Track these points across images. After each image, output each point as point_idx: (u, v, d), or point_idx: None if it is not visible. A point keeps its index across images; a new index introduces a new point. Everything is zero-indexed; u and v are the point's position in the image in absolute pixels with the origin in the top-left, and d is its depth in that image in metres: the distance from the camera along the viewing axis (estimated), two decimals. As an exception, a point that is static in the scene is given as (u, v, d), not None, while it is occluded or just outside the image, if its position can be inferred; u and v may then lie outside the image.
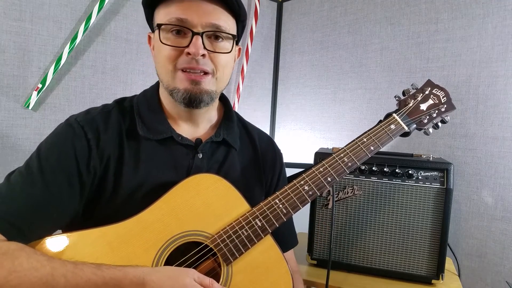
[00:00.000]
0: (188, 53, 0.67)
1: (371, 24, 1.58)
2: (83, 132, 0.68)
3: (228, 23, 0.70)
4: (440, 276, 1.02)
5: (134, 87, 1.47)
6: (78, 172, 0.66)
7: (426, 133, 0.82)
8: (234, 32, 0.73)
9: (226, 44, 0.71)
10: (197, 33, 0.67)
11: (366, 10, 1.60)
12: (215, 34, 0.69)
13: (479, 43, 1.29)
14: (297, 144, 1.86)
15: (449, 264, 1.17)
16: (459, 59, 1.34)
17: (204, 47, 0.67)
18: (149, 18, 0.74)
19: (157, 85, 0.81)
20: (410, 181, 1.04)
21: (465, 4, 1.32)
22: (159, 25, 0.67)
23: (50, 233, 0.63)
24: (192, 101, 0.70)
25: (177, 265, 0.65)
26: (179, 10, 0.67)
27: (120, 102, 0.77)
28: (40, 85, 1.22)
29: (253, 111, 1.91)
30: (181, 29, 0.67)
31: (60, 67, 1.25)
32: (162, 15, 0.69)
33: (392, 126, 0.78)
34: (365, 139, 0.76)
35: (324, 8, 1.75)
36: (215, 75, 0.71)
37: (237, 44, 0.78)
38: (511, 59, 1.22)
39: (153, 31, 0.74)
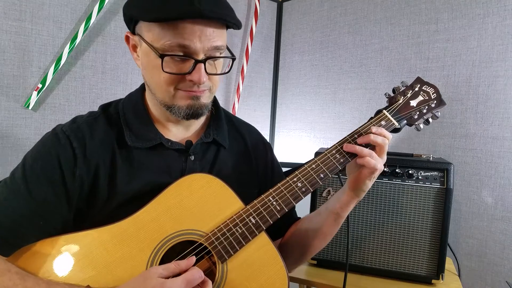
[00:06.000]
0: (191, 80, 0.66)
1: (371, 24, 1.58)
2: (69, 141, 0.68)
3: (224, 40, 0.69)
4: (440, 276, 1.02)
5: (134, 87, 1.46)
6: (63, 181, 0.66)
7: (417, 129, 0.83)
8: (225, 43, 0.71)
9: (221, 60, 0.72)
10: (200, 61, 0.65)
11: (366, 10, 1.60)
12: (214, 56, 0.68)
13: (479, 43, 1.29)
14: (297, 144, 1.86)
15: (449, 264, 1.17)
16: (459, 59, 1.34)
17: (206, 72, 0.67)
18: (130, 20, 0.70)
19: (142, 88, 0.80)
20: (410, 181, 1.04)
21: (465, 4, 1.32)
22: (162, 56, 0.64)
23: (40, 239, 0.63)
24: (194, 115, 0.71)
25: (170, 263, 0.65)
26: (179, 36, 0.63)
27: (106, 108, 0.77)
28: (40, 85, 1.22)
29: (253, 111, 1.92)
30: (183, 57, 0.65)
31: (60, 67, 1.25)
32: (155, 35, 0.64)
33: (383, 122, 0.78)
34: (356, 136, 0.77)
35: (324, 8, 1.75)
36: (211, 90, 0.73)
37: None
38: (511, 59, 1.22)
39: (133, 32, 0.70)
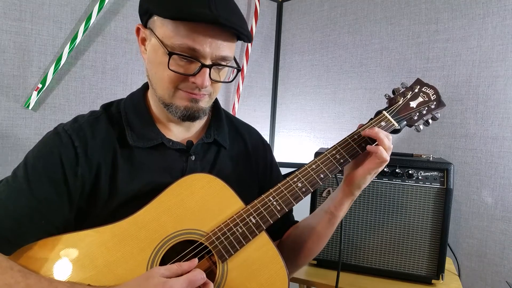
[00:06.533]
0: (194, 82, 0.67)
1: (371, 24, 1.58)
2: (70, 140, 0.68)
3: (233, 51, 0.71)
4: (440, 276, 1.02)
5: (134, 87, 1.45)
6: (64, 180, 0.66)
7: (417, 130, 0.83)
8: (233, 54, 0.73)
9: (226, 69, 0.73)
10: (206, 66, 0.66)
11: (366, 10, 1.60)
12: (220, 63, 0.69)
13: (479, 43, 1.29)
14: (297, 144, 1.87)
15: (449, 264, 1.17)
16: (459, 59, 1.34)
17: (210, 77, 0.67)
18: (144, 13, 0.70)
19: (143, 88, 0.80)
20: (410, 181, 1.04)
21: (465, 4, 1.32)
22: (170, 53, 0.64)
23: (41, 238, 0.63)
24: (190, 118, 0.72)
25: (173, 264, 0.65)
26: (191, 37, 0.63)
27: (107, 107, 0.77)
28: (40, 85, 1.22)
29: (253, 111, 1.92)
30: (190, 59, 0.66)
31: (60, 67, 1.25)
32: (167, 32, 0.65)
33: (383, 123, 0.79)
34: (356, 136, 0.77)
35: (324, 8, 1.75)
36: (211, 96, 0.73)
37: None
38: (511, 59, 1.22)
39: (144, 25, 0.71)
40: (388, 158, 0.71)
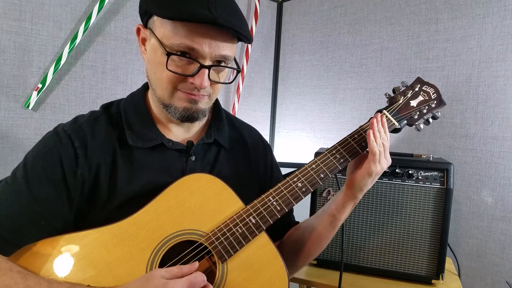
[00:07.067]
0: (192, 83, 0.67)
1: (371, 24, 1.58)
2: (70, 140, 0.68)
3: (233, 51, 0.70)
4: (440, 276, 1.02)
5: (134, 87, 1.45)
6: (64, 181, 0.66)
7: (418, 129, 0.83)
8: (233, 55, 0.72)
9: (226, 71, 0.73)
10: (205, 67, 0.65)
11: (366, 10, 1.60)
12: (220, 64, 0.69)
13: (479, 43, 1.29)
14: (297, 144, 1.87)
15: (449, 264, 1.17)
16: (459, 59, 1.34)
17: (209, 78, 0.67)
18: (144, 13, 0.70)
19: (144, 88, 0.80)
20: (410, 181, 1.04)
21: (465, 4, 1.32)
22: (169, 54, 0.64)
23: (41, 239, 0.63)
24: (189, 119, 0.72)
25: (172, 264, 0.65)
26: (190, 38, 0.63)
27: (107, 108, 0.77)
28: (40, 85, 1.22)
29: (253, 111, 1.92)
30: (189, 59, 0.65)
31: (60, 67, 1.25)
32: (166, 32, 0.64)
33: None
34: (356, 136, 0.77)
35: (324, 8, 1.75)
36: (210, 97, 0.73)
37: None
38: (511, 59, 1.22)
39: (145, 25, 0.71)
40: (376, 150, 0.71)
